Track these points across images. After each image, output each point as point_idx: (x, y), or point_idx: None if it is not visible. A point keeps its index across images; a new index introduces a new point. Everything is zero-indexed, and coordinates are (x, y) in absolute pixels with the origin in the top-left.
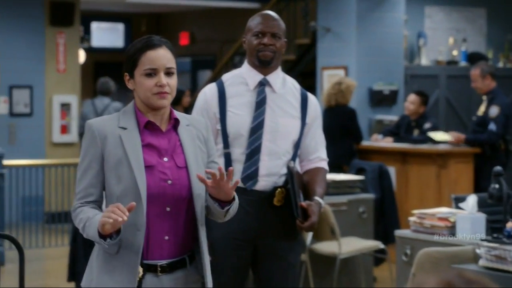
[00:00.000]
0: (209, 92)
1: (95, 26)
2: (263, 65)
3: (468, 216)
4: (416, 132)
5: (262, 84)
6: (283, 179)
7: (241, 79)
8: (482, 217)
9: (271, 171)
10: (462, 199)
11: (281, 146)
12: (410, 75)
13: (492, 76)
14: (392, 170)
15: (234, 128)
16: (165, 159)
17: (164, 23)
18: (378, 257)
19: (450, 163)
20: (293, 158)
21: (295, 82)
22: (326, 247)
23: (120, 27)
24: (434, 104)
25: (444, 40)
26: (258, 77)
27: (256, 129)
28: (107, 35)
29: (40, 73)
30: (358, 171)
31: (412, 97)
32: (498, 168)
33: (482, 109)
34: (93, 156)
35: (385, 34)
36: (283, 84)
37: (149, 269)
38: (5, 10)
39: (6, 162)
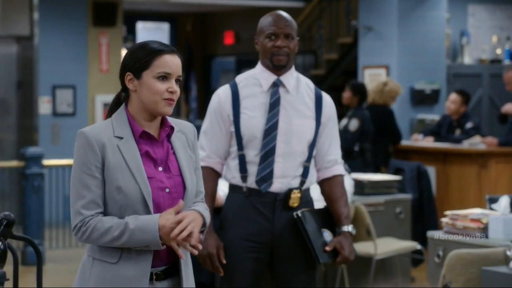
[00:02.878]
0: (222, 94)
1: (140, 26)
2: (278, 69)
3: (500, 217)
4: (457, 132)
5: (276, 85)
6: (298, 180)
7: (254, 80)
8: None
9: (285, 173)
10: (496, 200)
11: (295, 147)
12: (452, 74)
13: None
14: (432, 170)
15: (248, 130)
16: (160, 168)
17: (209, 22)
18: (416, 258)
19: (490, 163)
20: (309, 159)
21: (309, 81)
22: (361, 247)
23: (165, 26)
24: (477, 103)
25: (487, 38)
26: (272, 78)
27: (270, 131)
28: (152, 34)
29: (83, 73)
30: (396, 171)
31: (453, 96)
32: None
33: None
34: (94, 165)
35: (427, 32)
36: (297, 84)
37: None
38: (48, 11)
39: (46, 162)
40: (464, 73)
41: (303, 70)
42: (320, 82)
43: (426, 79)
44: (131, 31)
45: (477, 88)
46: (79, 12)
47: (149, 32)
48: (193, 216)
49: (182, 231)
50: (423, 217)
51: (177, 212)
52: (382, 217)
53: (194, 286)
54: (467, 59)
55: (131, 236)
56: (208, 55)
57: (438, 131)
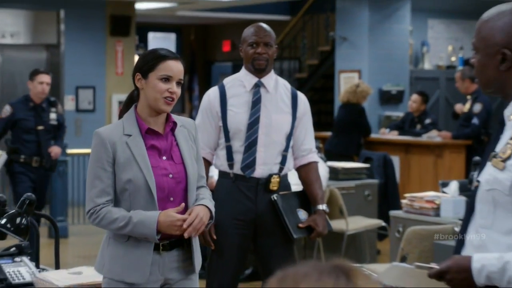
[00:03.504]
0: (212, 94)
1: (151, 35)
2: (258, 72)
3: (450, 199)
4: (418, 127)
5: (258, 85)
6: (277, 167)
7: (239, 82)
8: (462, 200)
9: (266, 161)
10: (447, 184)
11: (275, 138)
12: (414, 78)
13: (472, 80)
14: (396, 159)
15: (234, 124)
16: (164, 157)
17: (210, 32)
18: (382, 233)
19: (445, 153)
20: (286, 149)
21: (286, 82)
22: (335, 224)
23: (172, 36)
24: (435, 103)
25: (444, 48)
26: (254, 80)
27: (253, 125)
28: (161, 43)
29: (102, 75)
30: (365, 160)
31: (415, 96)
32: (476, 158)
33: (467, 106)
34: (106, 160)
35: (393, 42)
36: (276, 85)
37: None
38: (72, 23)
39: (70, 151)
40: (424, 77)
41: (289, 73)
42: (303, 84)
43: (392, 82)
44: (143, 40)
45: (435, 90)
46: (99, 24)
47: (159, 41)
48: (202, 211)
49: (190, 224)
50: (387, 199)
51: (179, 212)
52: (353, 199)
53: (199, 255)
54: (427, 65)
55: (133, 229)
56: (208, 60)
57: (402, 126)
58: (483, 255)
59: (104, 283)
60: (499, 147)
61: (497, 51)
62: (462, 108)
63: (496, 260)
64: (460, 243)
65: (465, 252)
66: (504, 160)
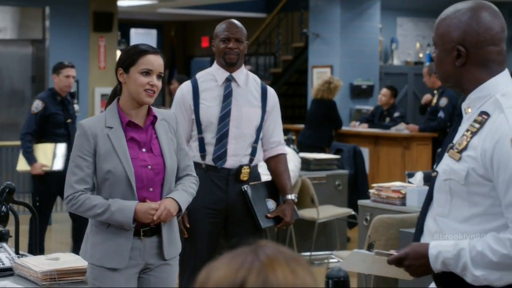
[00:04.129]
0: (185, 88)
1: (133, 31)
2: (229, 66)
3: (415, 189)
4: (387, 120)
5: (229, 80)
6: (247, 158)
7: (211, 76)
8: (426, 190)
9: (237, 152)
10: (413, 175)
11: (245, 130)
12: (384, 73)
13: None
14: (365, 151)
15: (206, 117)
16: (144, 150)
17: (189, 29)
18: (351, 222)
19: (412, 145)
20: (256, 141)
21: (256, 77)
22: (307, 213)
23: (153, 32)
24: (403, 97)
25: (412, 44)
26: (225, 74)
27: (224, 118)
28: (143, 39)
29: (85, 70)
30: (336, 151)
31: (384, 90)
32: (439, 150)
33: (434, 100)
34: (87, 151)
35: (363, 39)
36: (246, 80)
37: (134, 234)
38: (57, 19)
39: None
40: (393, 72)
41: (264, 68)
42: (278, 79)
43: (363, 77)
44: (126, 36)
45: (403, 85)
46: (82, 20)
47: (140, 37)
48: (169, 204)
49: (159, 217)
50: (357, 188)
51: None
52: (324, 189)
53: (179, 242)
54: (396, 61)
55: (110, 216)
56: (188, 55)
57: (371, 119)
58: (439, 242)
59: (88, 268)
60: (456, 139)
61: (453, 47)
62: (429, 98)
63: (451, 247)
64: (419, 231)
65: (424, 239)
66: (460, 151)
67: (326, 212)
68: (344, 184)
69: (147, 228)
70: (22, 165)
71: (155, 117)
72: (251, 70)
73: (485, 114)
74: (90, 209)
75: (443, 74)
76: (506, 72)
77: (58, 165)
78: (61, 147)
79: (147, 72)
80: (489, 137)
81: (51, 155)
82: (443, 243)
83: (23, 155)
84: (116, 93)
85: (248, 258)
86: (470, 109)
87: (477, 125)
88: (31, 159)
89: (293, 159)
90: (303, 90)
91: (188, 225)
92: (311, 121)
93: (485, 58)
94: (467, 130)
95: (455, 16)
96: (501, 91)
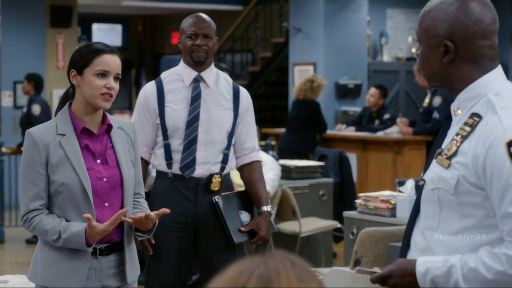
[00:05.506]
0: (148, 89)
1: (95, 27)
2: (197, 64)
3: (406, 198)
4: (376, 122)
5: (197, 80)
6: (218, 166)
7: (177, 76)
8: None
9: (207, 160)
10: (404, 183)
11: (215, 136)
12: (373, 71)
13: None
14: (353, 157)
15: (172, 121)
16: (98, 161)
17: (158, 24)
18: (338, 235)
19: (404, 150)
20: (228, 147)
21: (227, 77)
22: (288, 226)
23: (118, 28)
24: (394, 97)
25: (404, 39)
26: (193, 74)
27: (192, 122)
28: (107, 35)
29: (41, 69)
30: (320, 158)
31: (372, 90)
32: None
33: (426, 100)
34: (38, 162)
35: (350, 33)
36: (217, 80)
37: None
38: (9, 14)
39: (6, 149)
40: (383, 69)
41: (241, 67)
42: (256, 78)
43: (349, 75)
44: (87, 32)
45: (394, 83)
46: (38, 15)
47: (104, 32)
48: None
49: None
50: (344, 199)
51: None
52: (307, 199)
53: (137, 261)
54: (386, 57)
55: (64, 243)
56: (157, 53)
57: (359, 121)
58: (428, 258)
59: None
60: (445, 144)
61: (440, 43)
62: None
63: (441, 263)
64: (405, 246)
65: (411, 255)
66: (450, 157)
67: (309, 225)
68: (329, 194)
69: (104, 246)
70: None
71: (109, 126)
72: (226, 69)
73: (476, 116)
74: (43, 233)
75: (429, 72)
76: (499, 68)
77: None
78: None
79: (103, 74)
80: (481, 142)
81: None
82: (432, 259)
83: None
84: (68, 97)
85: (255, 262)
86: (460, 110)
87: (468, 128)
88: None
89: (272, 167)
90: (284, 90)
91: (153, 241)
92: (292, 124)
93: (476, 53)
94: (457, 134)
95: (440, 8)
96: (493, 90)
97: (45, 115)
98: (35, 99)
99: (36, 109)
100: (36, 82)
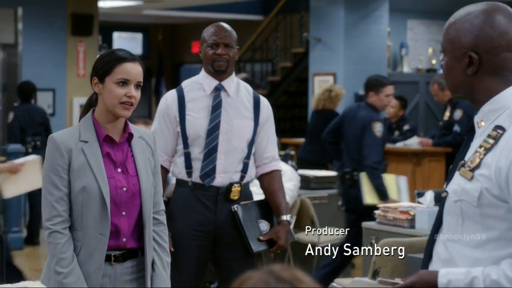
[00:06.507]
0: (169, 97)
1: (116, 35)
2: (218, 74)
3: (425, 209)
4: (396, 133)
5: (218, 89)
6: (238, 175)
7: (198, 85)
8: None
9: (227, 169)
10: (423, 194)
11: (236, 145)
12: (392, 82)
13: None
14: None
15: (193, 130)
16: (119, 169)
17: (178, 33)
18: None
19: (424, 161)
20: (248, 156)
21: (248, 86)
22: (306, 237)
23: (138, 36)
24: (414, 108)
25: (424, 50)
26: (214, 83)
27: (213, 131)
28: (127, 43)
29: (62, 77)
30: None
31: (393, 101)
32: (451, 167)
33: (447, 114)
34: (61, 167)
35: (370, 44)
36: (237, 89)
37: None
38: (31, 22)
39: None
40: (403, 80)
41: (261, 76)
42: (276, 88)
43: None
44: (108, 40)
45: (414, 94)
46: (59, 23)
47: (124, 41)
48: None
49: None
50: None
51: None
52: (326, 209)
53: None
54: (406, 68)
55: (59, 283)
56: (177, 62)
57: None
58: (450, 270)
59: None
60: (468, 156)
61: (464, 54)
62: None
63: (463, 275)
64: (427, 257)
65: (432, 266)
66: (473, 170)
67: (328, 235)
68: None
69: (118, 253)
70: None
71: (131, 135)
72: (247, 79)
73: (500, 129)
74: (54, 256)
75: (453, 83)
76: None
77: None
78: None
79: (124, 82)
80: (504, 154)
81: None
82: (454, 270)
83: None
84: (92, 103)
85: (261, 273)
86: (483, 122)
87: (491, 141)
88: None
89: (292, 178)
90: (304, 100)
91: (172, 249)
92: (312, 134)
93: (500, 65)
94: (480, 146)
95: (466, 19)
96: None
97: (17, 121)
98: (15, 107)
99: (10, 116)
100: (19, 91)
